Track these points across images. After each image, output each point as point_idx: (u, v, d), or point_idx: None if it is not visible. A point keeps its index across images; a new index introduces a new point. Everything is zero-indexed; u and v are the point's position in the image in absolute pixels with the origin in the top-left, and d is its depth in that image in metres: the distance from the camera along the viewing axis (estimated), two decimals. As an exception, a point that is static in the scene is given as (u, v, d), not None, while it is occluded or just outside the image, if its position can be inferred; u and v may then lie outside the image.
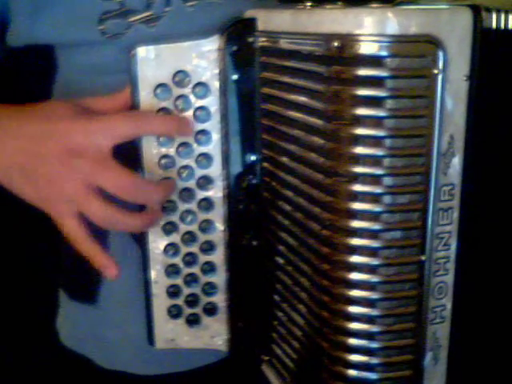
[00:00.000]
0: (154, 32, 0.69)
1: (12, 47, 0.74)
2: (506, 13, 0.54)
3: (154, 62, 0.66)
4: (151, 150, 0.67)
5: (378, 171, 0.55)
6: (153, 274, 0.71)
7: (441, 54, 0.52)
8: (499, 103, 0.56)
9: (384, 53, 0.52)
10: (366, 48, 0.53)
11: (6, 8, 0.71)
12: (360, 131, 0.55)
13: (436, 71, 0.53)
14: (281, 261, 0.68)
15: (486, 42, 0.53)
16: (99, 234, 0.65)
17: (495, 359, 0.62)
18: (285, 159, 0.65)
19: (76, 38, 0.70)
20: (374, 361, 0.59)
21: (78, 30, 0.69)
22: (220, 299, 0.73)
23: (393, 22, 0.51)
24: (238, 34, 0.66)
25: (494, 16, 0.55)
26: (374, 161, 0.55)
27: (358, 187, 0.56)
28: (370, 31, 0.52)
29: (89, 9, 0.68)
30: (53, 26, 0.69)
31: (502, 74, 0.55)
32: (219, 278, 0.72)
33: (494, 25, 0.54)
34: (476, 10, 0.53)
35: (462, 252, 0.57)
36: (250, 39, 0.66)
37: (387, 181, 0.55)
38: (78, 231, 0.63)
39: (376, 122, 0.54)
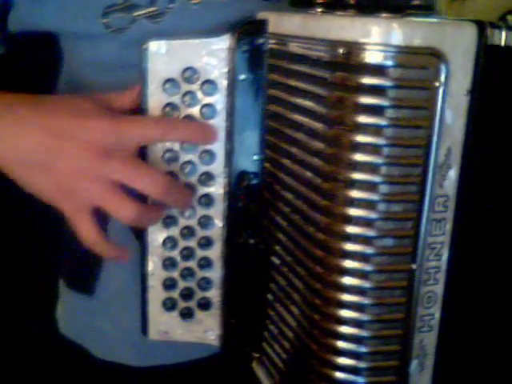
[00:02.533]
0: (158, 28, 0.70)
1: (13, 33, 0.74)
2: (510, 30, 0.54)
3: (164, 57, 0.67)
4: (156, 144, 0.68)
5: (375, 178, 0.56)
6: (150, 266, 0.72)
7: (443, 68, 0.53)
8: (498, 119, 0.57)
9: (388, 62, 0.53)
10: (371, 57, 0.54)
11: None
12: (360, 138, 0.56)
13: (437, 84, 0.53)
14: (276, 261, 0.69)
15: (489, 59, 0.54)
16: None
17: (481, 369, 0.63)
18: (286, 161, 0.66)
19: (79, 28, 0.70)
20: (361, 365, 0.60)
21: (81, 21, 0.70)
22: (214, 294, 0.74)
23: (398, 33, 0.52)
24: (248, 35, 0.67)
25: (502, 33, 0.55)
26: (372, 168, 0.56)
27: (354, 193, 0.57)
28: (376, 40, 0.53)
29: (93, 1, 0.69)
30: (56, 14, 0.70)
31: (504, 91, 0.56)
32: (215, 273, 0.73)
33: (502, 42, 0.55)
34: (481, 26, 0.54)
35: (452, 263, 0.58)
36: (261, 41, 0.67)
37: (383, 188, 0.56)
38: (93, 229, 0.63)
39: (376, 130, 0.55)
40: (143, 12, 0.70)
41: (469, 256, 0.59)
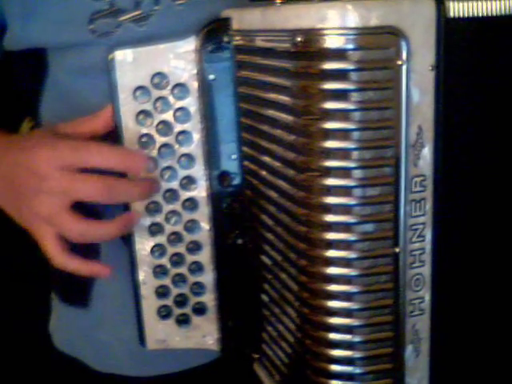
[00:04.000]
0: (144, 31, 0.69)
1: (8, 51, 0.75)
2: (468, 0, 0.53)
3: (131, 65, 0.67)
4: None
5: (348, 164, 0.55)
6: (141, 276, 0.72)
7: (404, 45, 0.52)
8: (467, 92, 0.55)
9: (347, 46, 0.53)
10: (329, 42, 0.53)
11: (1, 12, 0.73)
12: (328, 125, 0.55)
13: (400, 62, 0.52)
14: (266, 259, 0.69)
15: (450, 31, 0.53)
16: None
17: (479, 350, 0.62)
18: (263, 157, 0.65)
19: (67, 39, 0.70)
20: (356, 355, 0.59)
21: (69, 32, 0.70)
22: (209, 299, 0.73)
23: (353, 15, 0.52)
24: (213, 34, 0.66)
25: (460, 4, 0.54)
26: (344, 154, 0.55)
27: (329, 181, 0.56)
28: (332, 25, 0.52)
29: (79, 10, 0.69)
30: (44, 28, 0.70)
31: (468, 63, 0.55)
32: (207, 277, 0.73)
33: (454, 13, 0.54)
34: (439, 0, 0.53)
35: (437, 243, 0.57)
36: (226, 39, 0.66)
37: (357, 173, 0.55)
38: (56, 251, 0.65)
39: (343, 115, 0.54)
40: (128, 16, 0.69)
41: (453, 234, 0.58)
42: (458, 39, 0.54)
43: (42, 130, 0.69)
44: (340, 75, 0.53)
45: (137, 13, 0.70)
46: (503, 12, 0.55)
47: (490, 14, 0.55)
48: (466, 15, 0.54)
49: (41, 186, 0.63)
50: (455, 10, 0.54)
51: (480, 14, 0.54)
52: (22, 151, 0.65)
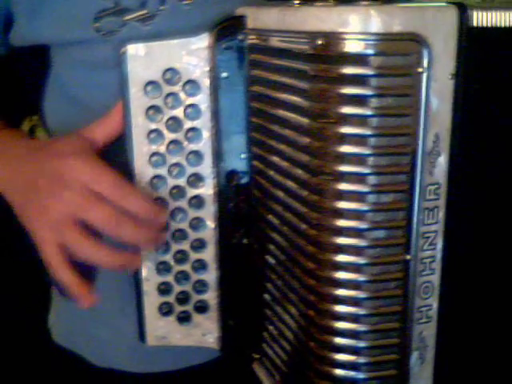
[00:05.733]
0: (149, 30, 0.69)
1: (15, 47, 0.75)
2: (490, 10, 0.53)
3: (144, 60, 0.66)
4: (141, 148, 0.68)
5: (363, 170, 0.55)
6: (144, 272, 0.71)
7: (425, 53, 0.52)
8: (485, 102, 0.55)
9: (368, 51, 0.52)
10: (350, 46, 0.53)
11: (8, 8, 0.72)
12: (345, 130, 0.55)
13: (420, 70, 0.52)
14: (271, 260, 0.68)
15: (471, 40, 0.53)
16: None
17: (484, 360, 0.62)
18: (273, 158, 0.65)
19: (72, 36, 0.70)
20: (360, 360, 0.59)
21: (74, 29, 0.69)
22: (211, 297, 0.73)
23: (376, 20, 0.51)
24: (227, 32, 0.66)
25: (483, 14, 0.54)
26: (359, 159, 0.55)
27: (343, 186, 0.56)
28: (354, 29, 0.52)
29: (85, 8, 0.68)
30: (50, 25, 0.70)
31: (488, 72, 0.55)
32: (210, 275, 0.72)
33: (475, 23, 0.54)
34: (462, 9, 0.53)
35: (448, 252, 0.57)
36: (240, 37, 0.65)
37: (372, 179, 0.55)
38: (56, 259, 0.64)
39: (360, 120, 0.54)
40: (134, 15, 0.69)
41: (464, 243, 0.58)
42: (479, 49, 0.54)
43: (75, 138, 0.68)
44: (359, 80, 0.53)
45: (142, 12, 0.69)
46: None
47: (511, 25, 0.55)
48: (489, 25, 0.53)
49: (61, 191, 0.63)
50: (478, 19, 0.53)
51: (503, 25, 0.54)
52: (57, 156, 0.65)
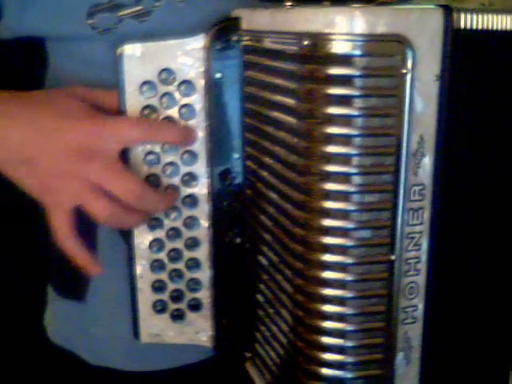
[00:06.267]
0: (145, 27, 0.69)
1: (3, 39, 0.74)
2: (478, 13, 0.53)
3: (140, 60, 0.67)
4: (137, 147, 0.68)
5: (348, 170, 0.55)
6: (138, 269, 0.72)
7: (410, 54, 0.52)
8: (471, 103, 0.56)
9: (353, 52, 0.53)
10: (337, 47, 0.53)
11: None
12: (331, 130, 0.55)
13: (405, 71, 0.53)
14: (262, 260, 0.69)
15: (457, 42, 0.53)
16: (87, 232, 0.67)
17: (470, 361, 0.62)
18: (265, 158, 0.65)
19: (65, 31, 0.70)
20: (347, 359, 0.60)
21: (66, 24, 0.70)
22: (204, 295, 0.74)
23: (361, 21, 0.52)
24: (222, 33, 0.66)
25: (468, 16, 0.54)
26: (344, 159, 0.55)
27: (329, 186, 0.56)
28: (339, 30, 0.53)
29: (77, 1, 0.69)
30: (41, 18, 0.70)
31: (474, 75, 0.55)
32: (203, 274, 0.73)
33: (462, 25, 0.54)
34: (447, 11, 0.53)
35: (433, 252, 0.57)
36: (235, 38, 0.66)
37: (357, 179, 0.55)
38: (66, 226, 0.64)
39: (346, 120, 0.54)
40: (129, 11, 0.69)
41: (449, 244, 0.58)
42: (464, 51, 0.54)
43: (72, 95, 0.66)
44: (345, 81, 0.54)
45: (138, 8, 0.70)
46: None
47: (499, 28, 0.55)
48: (475, 27, 0.54)
49: (83, 160, 0.62)
50: (464, 21, 0.54)
51: (489, 28, 0.54)
52: (61, 117, 0.63)
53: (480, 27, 0.54)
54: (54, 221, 0.64)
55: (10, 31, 0.73)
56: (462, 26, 0.54)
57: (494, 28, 0.55)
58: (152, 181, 0.69)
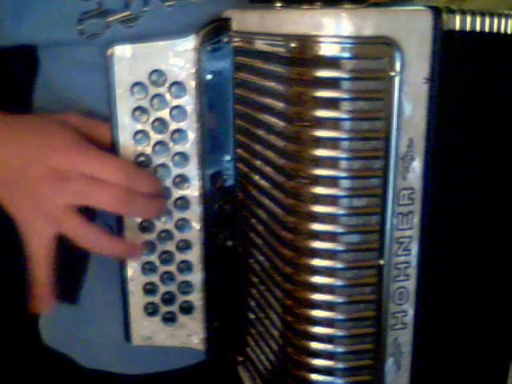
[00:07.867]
0: (133, 32, 0.69)
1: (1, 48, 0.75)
2: (472, 15, 0.53)
3: (130, 61, 0.66)
4: (128, 149, 0.68)
5: (337, 173, 0.54)
6: (129, 272, 0.72)
7: (398, 56, 0.52)
8: (461, 106, 0.55)
9: (340, 54, 0.52)
10: (323, 49, 0.52)
11: None
12: (319, 133, 0.54)
13: (393, 73, 0.52)
14: (253, 263, 0.68)
15: (446, 44, 0.52)
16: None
17: (460, 367, 0.61)
18: (256, 161, 0.65)
19: (56, 38, 0.70)
20: (336, 365, 0.59)
21: (57, 31, 0.70)
22: (196, 298, 0.73)
23: (347, 23, 0.51)
24: (213, 34, 0.66)
25: (458, 18, 0.54)
26: (332, 163, 0.54)
27: (317, 189, 0.56)
28: (326, 32, 0.52)
29: (68, 9, 0.69)
30: (34, 27, 0.70)
31: (464, 77, 0.54)
32: (195, 276, 0.72)
33: (457, 27, 0.53)
34: (437, 12, 0.52)
35: (423, 257, 0.57)
36: (225, 39, 0.66)
37: (345, 183, 0.54)
38: (42, 253, 0.64)
39: (334, 123, 0.54)
40: (117, 17, 0.69)
41: (439, 249, 0.57)
42: (453, 53, 0.53)
43: (55, 119, 0.66)
44: (332, 83, 0.53)
45: (126, 13, 0.69)
46: (502, 29, 0.54)
47: (488, 30, 0.54)
48: (464, 29, 0.53)
49: (60, 183, 0.61)
50: (453, 23, 0.53)
51: (478, 29, 0.53)
52: (48, 148, 0.63)
53: (473, 29, 0.53)
54: (30, 247, 0.64)
55: (5, 40, 0.73)
56: (452, 27, 0.53)
57: (487, 30, 0.54)
58: (143, 183, 0.68)
